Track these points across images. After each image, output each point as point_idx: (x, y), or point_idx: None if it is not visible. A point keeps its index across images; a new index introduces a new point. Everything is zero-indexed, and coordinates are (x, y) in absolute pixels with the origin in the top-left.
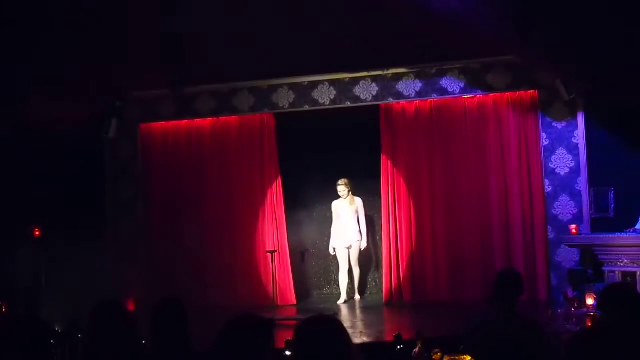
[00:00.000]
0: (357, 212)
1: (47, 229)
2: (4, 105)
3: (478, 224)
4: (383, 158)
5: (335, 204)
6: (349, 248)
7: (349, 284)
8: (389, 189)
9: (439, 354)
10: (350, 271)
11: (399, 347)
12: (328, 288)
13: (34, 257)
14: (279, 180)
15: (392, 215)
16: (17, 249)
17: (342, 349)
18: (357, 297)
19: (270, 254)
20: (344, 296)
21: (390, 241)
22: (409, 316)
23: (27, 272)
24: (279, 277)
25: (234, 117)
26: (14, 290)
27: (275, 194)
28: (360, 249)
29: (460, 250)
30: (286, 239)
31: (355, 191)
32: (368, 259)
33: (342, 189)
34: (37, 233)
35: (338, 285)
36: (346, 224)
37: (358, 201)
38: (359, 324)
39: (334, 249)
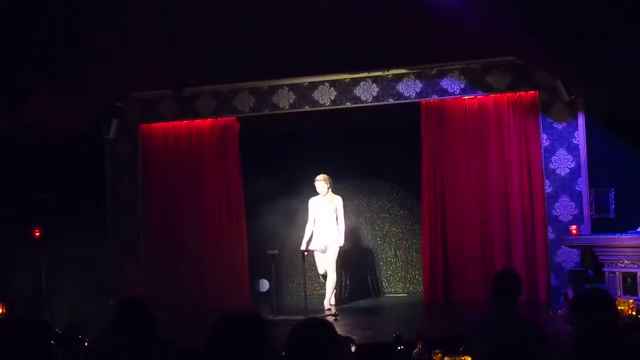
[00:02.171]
0: (335, 211)
1: (48, 230)
2: (4, 105)
3: (478, 223)
4: (424, 156)
5: (312, 202)
6: (323, 251)
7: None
8: (431, 188)
9: (439, 354)
10: (324, 276)
11: (399, 347)
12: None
13: (34, 258)
14: (241, 182)
15: (432, 214)
16: (17, 250)
17: (332, 353)
18: (328, 306)
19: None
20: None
21: (431, 241)
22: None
23: (27, 272)
24: (234, 280)
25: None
26: (14, 291)
27: (237, 194)
28: (339, 248)
29: (461, 250)
30: (245, 240)
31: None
32: (368, 261)
33: (320, 184)
34: (38, 234)
35: (337, 286)
36: (324, 224)
37: (338, 199)
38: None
39: (307, 251)
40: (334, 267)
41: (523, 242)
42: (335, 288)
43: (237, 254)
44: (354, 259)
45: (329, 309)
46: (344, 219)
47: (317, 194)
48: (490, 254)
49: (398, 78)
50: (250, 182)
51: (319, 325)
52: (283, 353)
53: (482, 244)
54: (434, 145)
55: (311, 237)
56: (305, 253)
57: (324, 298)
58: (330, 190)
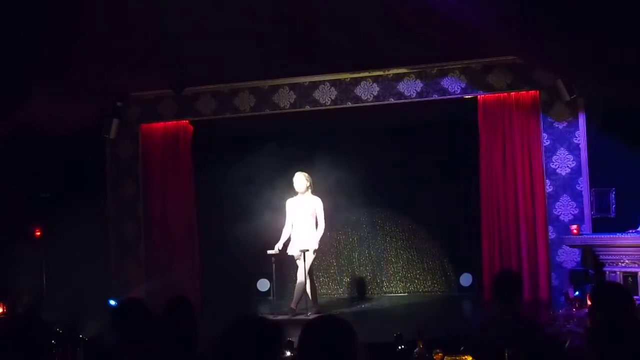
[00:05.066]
0: (314, 214)
1: (48, 229)
2: (4, 105)
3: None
4: (482, 153)
5: (290, 202)
6: (298, 258)
7: (306, 297)
8: (489, 186)
9: (440, 354)
10: (308, 281)
11: (400, 347)
12: (326, 287)
13: (35, 258)
14: (192, 184)
15: (490, 213)
16: (17, 250)
17: (350, 349)
18: (310, 309)
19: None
20: (311, 307)
21: (490, 240)
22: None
23: (27, 272)
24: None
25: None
26: (14, 290)
27: (191, 196)
28: (313, 253)
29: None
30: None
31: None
32: (368, 261)
33: (299, 179)
34: (38, 233)
35: (338, 286)
36: (300, 227)
37: (317, 201)
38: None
39: (279, 250)
40: (311, 272)
41: (524, 241)
42: (305, 292)
43: (190, 253)
44: (355, 259)
45: (311, 311)
46: (323, 223)
47: (297, 194)
48: (492, 253)
49: (399, 78)
50: (252, 182)
51: (335, 322)
52: (288, 353)
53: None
54: (489, 142)
55: (288, 240)
56: (273, 258)
57: (311, 300)
58: (309, 190)
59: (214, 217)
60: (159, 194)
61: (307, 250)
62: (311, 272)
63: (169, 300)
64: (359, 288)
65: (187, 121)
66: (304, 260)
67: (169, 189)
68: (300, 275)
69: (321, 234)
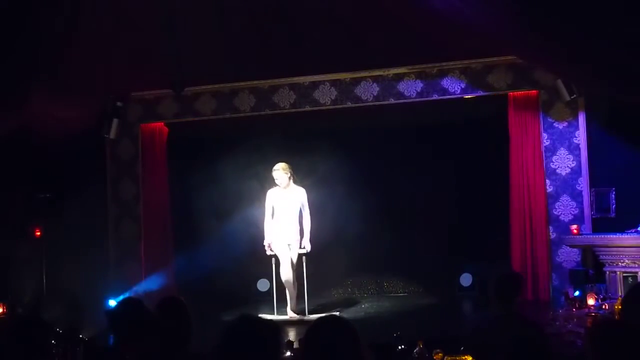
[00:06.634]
0: (299, 206)
1: (48, 229)
2: (4, 105)
3: None
4: (512, 150)
5: (271, 193)
6: (289, 245)
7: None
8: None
9: (440, 354)
10: (294, 279)
11: (400, 347)
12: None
13: (35, 258)
14: (166, 184)
15: (521, 212)
16: (18, 250)
17: (352, 350)
18: (292, 314)
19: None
20: (290, 306)
21: (522, 236)
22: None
23: (27, 272)
24: None
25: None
26: (14, 290)
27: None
28: (304, 252)
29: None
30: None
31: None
32: (368, 260)
33: (279, 174)
34: (38, 233)
35: (338, 286)
36: (285, 220)
37: (301, 192)
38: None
39: (270, 245)
40: (294, 270)
41: (526, 241)
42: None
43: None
44: (355, 259)
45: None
46: (309, 216)
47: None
48: (525, 252)
49: (398, 78)
50: (253, 181)
51: (338, 323)
52: (288, 353)
53: None
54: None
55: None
56: (270, 252)
57: (293, 302)
58: (292, 181)
59: (215, 216)
60: (156, 193)
61: (304, 248)
62: (301, 271)
63: (160, 300)
64: (359, 288)
65: (162, 123)
66: (289, 253)
67: (158, 189)
68: (286, 273)
69: (309, 229)
